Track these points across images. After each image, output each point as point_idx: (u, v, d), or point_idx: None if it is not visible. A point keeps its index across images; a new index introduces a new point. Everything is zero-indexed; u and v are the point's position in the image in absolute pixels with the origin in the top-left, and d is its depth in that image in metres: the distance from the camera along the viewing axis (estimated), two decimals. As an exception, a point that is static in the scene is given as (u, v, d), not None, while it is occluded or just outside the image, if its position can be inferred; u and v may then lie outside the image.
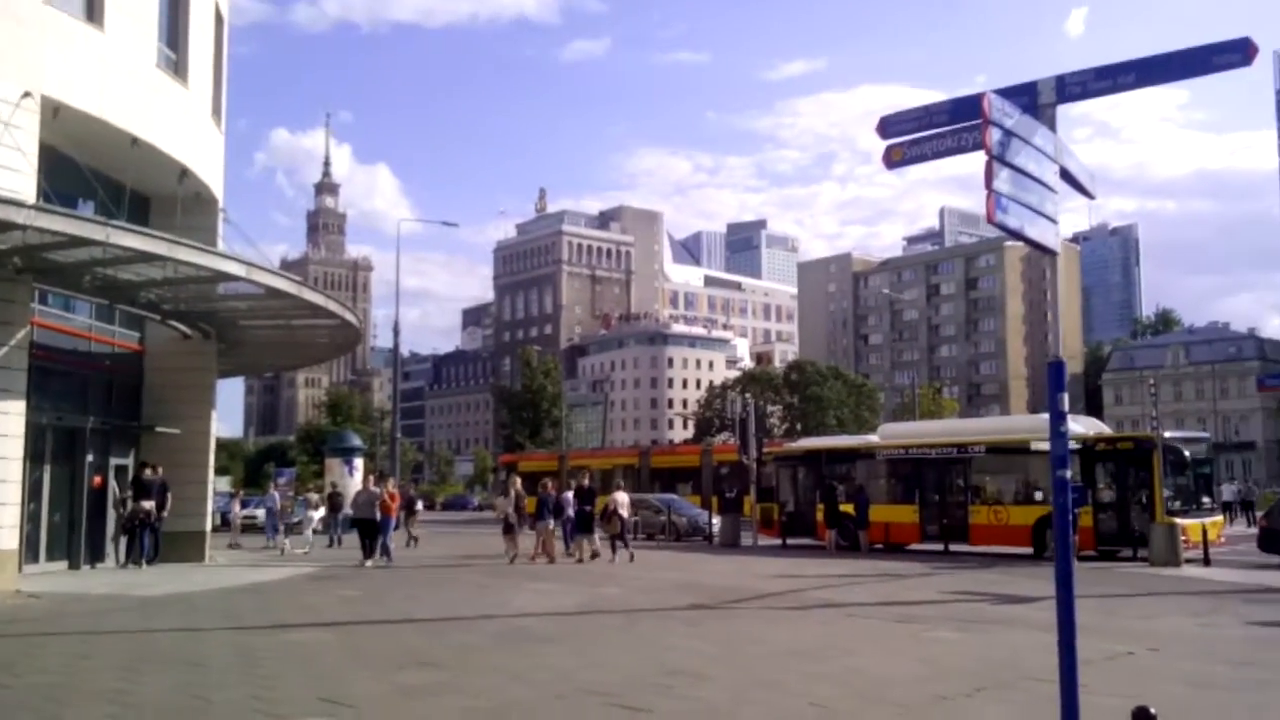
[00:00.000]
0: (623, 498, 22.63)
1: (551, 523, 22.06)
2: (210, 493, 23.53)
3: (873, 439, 28.96)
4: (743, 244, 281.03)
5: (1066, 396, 4.67)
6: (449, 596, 16.13)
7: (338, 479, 33.73)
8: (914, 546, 24.80)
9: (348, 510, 27.51)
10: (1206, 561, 19.78)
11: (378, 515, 21.27)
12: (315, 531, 28.66)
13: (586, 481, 22.98)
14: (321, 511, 29.61)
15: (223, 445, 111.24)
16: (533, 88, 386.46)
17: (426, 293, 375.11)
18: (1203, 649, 10.38)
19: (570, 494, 22.69)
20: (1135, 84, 4.97)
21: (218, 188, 21.42)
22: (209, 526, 23.11)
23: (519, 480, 25.31)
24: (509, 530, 22.13)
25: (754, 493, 28.33)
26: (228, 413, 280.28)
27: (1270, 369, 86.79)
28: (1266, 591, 15.81)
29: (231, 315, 21.57)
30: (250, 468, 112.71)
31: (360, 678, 8.93)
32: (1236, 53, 4.65)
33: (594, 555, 21.60)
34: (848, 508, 25.08)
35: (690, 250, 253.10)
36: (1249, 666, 9.35)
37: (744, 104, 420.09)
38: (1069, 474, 4.68)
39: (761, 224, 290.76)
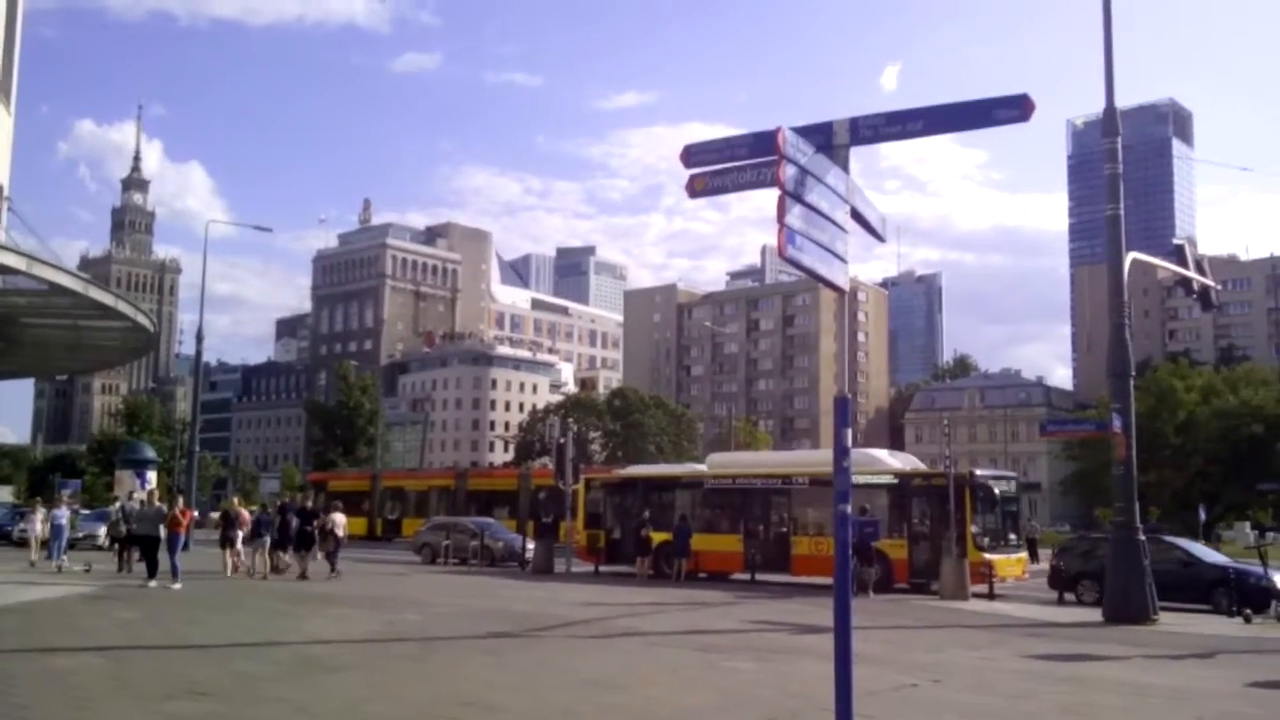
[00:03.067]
0: (340, 518, 24.03)
1: (268, 540, 23.05)
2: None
3: (700, 468, 29.01)
4: (572, 269, 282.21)
5: (850, 431, 4.75)
6: (237, 620, 15.27)
7: (127, 492, 31.70)
8: (738, 576, 25.02)
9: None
10: (991, 596, 20.81)
11: (162, 532, 20.01)
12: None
13: (310, 503, 24.26)
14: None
15: (5, 453, 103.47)
16: (359, 97, 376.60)
17: (238, 299, 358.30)
18: (982, 681, 10.85)
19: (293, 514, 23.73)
20: (923, 131, 5.15)
21: (2, 174, 19.84)
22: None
23: (237, 500, 27.40)
24: (228, 544, 23.17)
25: (580, 518, 28.06)
26: (14, 417, 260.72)
27: (1055, 415, 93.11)
28: (1043, 626, 16.77)
29: (11, 311, 19.99)
30: (36, 477, 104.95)
31: (124, 708, 8.29)
32: (1015, 108, 4.89)
33: (302, 576, 22.43)
34: (665, 536, 25.15)
35: (519, 272, 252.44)
36: (1022, 699, 9.82)
37: (576, 130, 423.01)
38: (849, 508, 4.75)
39: (591, 250, 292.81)
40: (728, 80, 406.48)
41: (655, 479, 28.86)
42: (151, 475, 33.17)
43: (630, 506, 27.70)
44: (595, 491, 28.80)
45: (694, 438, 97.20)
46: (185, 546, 22.21)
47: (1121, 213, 18.04)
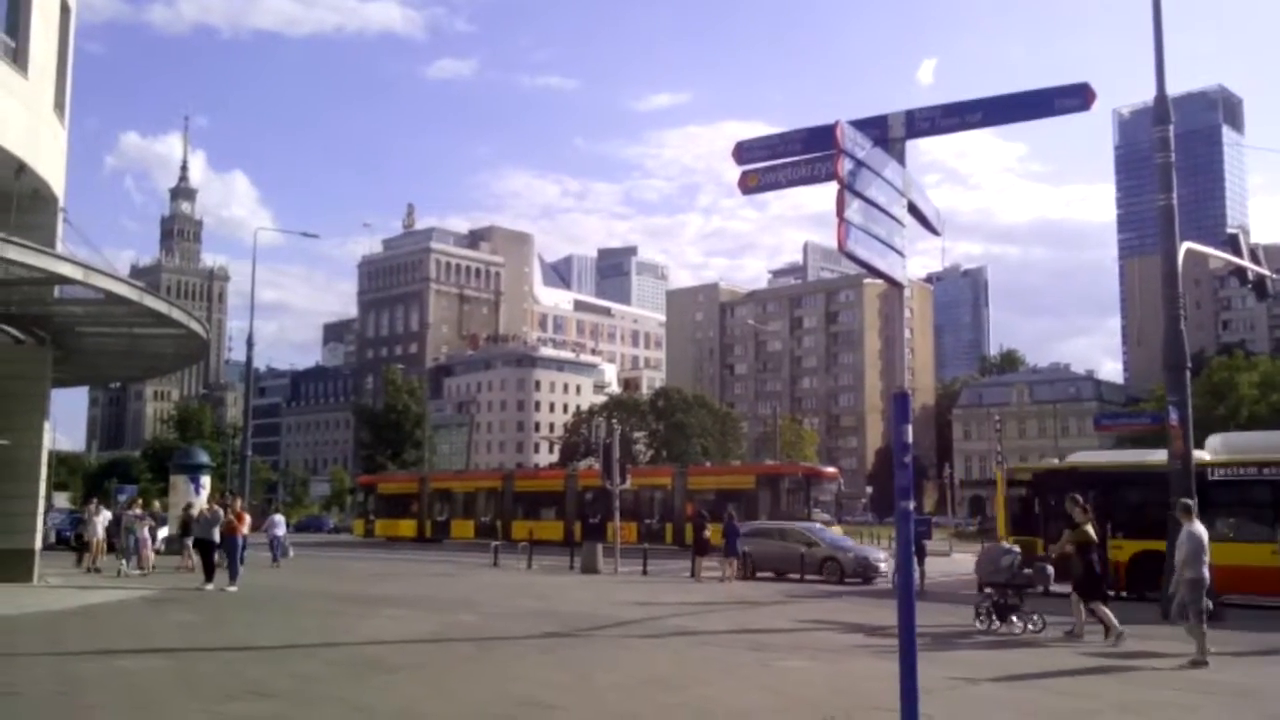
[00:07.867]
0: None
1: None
2: (41, 508, 22.07)
3: (1197, 454, 20.64)
4: (613, 270, 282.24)
5: (910, 428, 4.71)
6: (296, 622, 15.47)
7: (182, 497, 32.18)
8: (1269, 603, 18.72)
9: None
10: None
11: (217, 536, 20.34)
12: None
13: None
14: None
15: (62, 459, 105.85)
16: (399, 103, 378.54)
17: (284, 306, 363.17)
18: (1041, 679, 10.74)
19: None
20: (982, 122, 5.10)
21: (58, 186, 20.20)
22: (39, 544, 21.66)
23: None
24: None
25: (1001, 521, 23.01)
26: (69, 425, 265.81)
27: (1106, 409, 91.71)
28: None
29: (69, 321, 20.38)
30: (91, 483, 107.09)
31: (187, 709, 8.43)
32: (1076, 97, 4.84)
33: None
34: (1143, 544, 19.49)
35: (561, 274, 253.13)
36: (1081, 698, 9.69)
37: (611, 132, 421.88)
38: (911, 505, 4.70)
39: (632, 250, 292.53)
40: (759, 79, 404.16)
41: (1115, 470, 22.39)
42: (205, 480, 33.64)
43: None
44: (1021, 488, 23.14)
45: (738, 437, 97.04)
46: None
47: (1175, 202, 17.68)
